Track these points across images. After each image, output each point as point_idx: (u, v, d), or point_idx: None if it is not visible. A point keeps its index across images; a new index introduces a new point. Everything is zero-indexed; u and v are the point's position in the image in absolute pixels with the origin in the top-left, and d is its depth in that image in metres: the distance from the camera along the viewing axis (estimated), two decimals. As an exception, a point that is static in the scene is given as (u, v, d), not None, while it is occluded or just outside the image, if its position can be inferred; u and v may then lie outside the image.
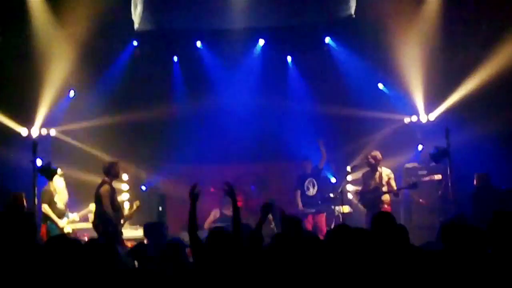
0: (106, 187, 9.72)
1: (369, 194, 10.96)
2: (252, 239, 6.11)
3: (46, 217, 10.48)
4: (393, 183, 10.86)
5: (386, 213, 6.49)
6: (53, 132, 12.73)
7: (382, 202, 10.77)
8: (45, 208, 10.43)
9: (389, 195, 10.84)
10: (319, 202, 11.84)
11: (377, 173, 10.92)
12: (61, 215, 10.59)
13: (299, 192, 12.24)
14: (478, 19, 11.75)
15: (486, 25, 11.41)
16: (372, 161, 10.95)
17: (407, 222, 11.63)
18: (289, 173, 13.28)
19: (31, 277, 5.16)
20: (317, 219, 11.64)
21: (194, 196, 6.30)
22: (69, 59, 12.35)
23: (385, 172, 10.91)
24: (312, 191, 12.17)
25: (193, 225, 6.16)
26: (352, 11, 12.13)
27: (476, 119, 11.55)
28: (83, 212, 11.03)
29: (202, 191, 6.44)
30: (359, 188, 11.51)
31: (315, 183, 12.19)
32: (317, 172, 12.15)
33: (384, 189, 10.80)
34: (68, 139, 12.92)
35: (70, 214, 10.84)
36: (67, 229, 10.60)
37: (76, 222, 10.93)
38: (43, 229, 10.46)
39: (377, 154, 11.01)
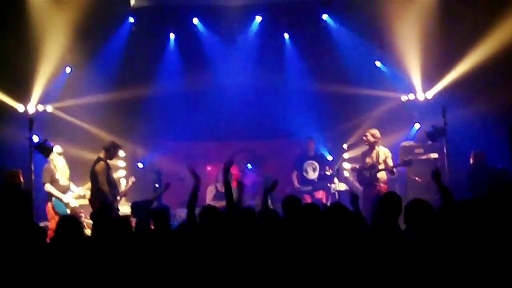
0: (101, 164, 9.77)
1: (366, 171, 10.99)
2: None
3: (51, 195, 10.53)
4: (390, 162, 10.86)
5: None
6: (49, 108, 12.68)
7: (378, 180, 10.79)
8: (48, 187, 10.50)
9: (385, 173, 10.86)
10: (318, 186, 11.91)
11: (375, 151, 10.92)
12: (64, 191, 10.63)
13: (295, 174, 12.30)
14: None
15: (483, 3, 11.32)
16: (371, 138, 10.93)
17: (402, 200, 11.67)
18: (286, 151, 13.36)
19: (28, 255, 5.20)
20: (317, 196, 11.78)
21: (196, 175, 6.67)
22: (65, 35, 12.28)
23: (383, 151, 10.92)
24: (312, 175, 12.21)
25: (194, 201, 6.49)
26: (350, -13, 12.09)
27: (473, 97, 11.55)
28: (87, 185, 11.05)
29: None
30: (356, 165, 11.54)
31: (317, 167, 12.21)
32: (320, 156, 12.22)
33: (381, 167, 10.82)
34: (64, 116, 12.88)
35: (76, 188, 10.86)
36: (74, 203, 10.63)
37: (81, 197, 10.96)
38: (48, 207, 10.52)
39: (376, 132, 11.01)
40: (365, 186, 10.98)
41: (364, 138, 11.05)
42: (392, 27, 12.27)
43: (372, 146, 10.96)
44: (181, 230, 6.02)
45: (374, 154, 10.90)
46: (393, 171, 10.87)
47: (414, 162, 11.10)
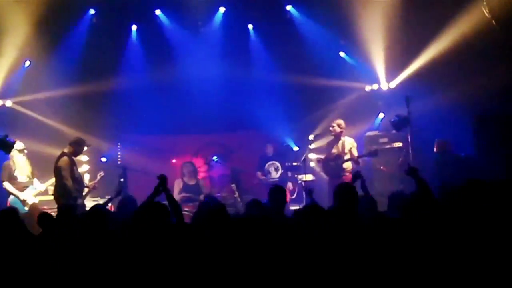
0: (65, 159, 9.57)
1: (331, 162, 11.02)
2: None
3: (9, 193, 10.32)
4: (355, 152, 10.92)
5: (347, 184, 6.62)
6: (8, 103, 12.44)
7: (344, 170, 10.85)
8: (5, 184, 10.30)
9: (351, 163, 10.90)
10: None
11: (340, 142, 10.97)
12: (23, 188, 10.41)
13: (259, 173, 12.32)
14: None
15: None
16: (337, 128, 10.96)
17: (369, 189, 11.73)
18: (253, 142, 13.32)
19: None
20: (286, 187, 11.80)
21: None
22: (24, 28, 12.02)
23: (348, 141, 10.97)
24: (274, 174, 12.24)
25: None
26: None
27: (436, 87, 11.64)
28: (49, 182, 10.82)
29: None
30: (322, 156, 11.56)
31: (279, 166, 12.21)
32: (281, 153, 12.22)
33: (347, 157, 10.86)
34: (25, 111, 12.62)
35: (39, 185, 10.63)
36: (32, 200, 10.41)
37: (42, 193, 10.74)
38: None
39: (341, 122, 11.06)
40: (331, 177, 11.02)
41: (331, 128, 11.07)
42: (356, 18, 12.30)
43: (338, 136, 11.01)
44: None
45: (339, 145, 10.95)
46: (358, 161, 10.93)
47: (379, 152, 11.17)
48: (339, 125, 10.99)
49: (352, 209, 5.97)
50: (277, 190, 7.00)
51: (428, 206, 5.28)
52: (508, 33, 10.67)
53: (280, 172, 12.32)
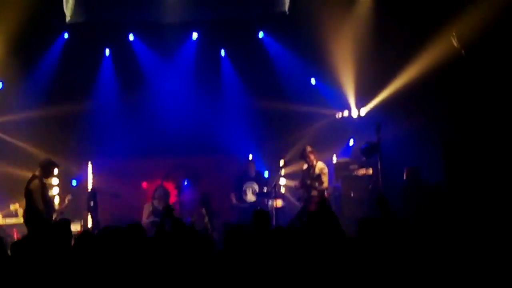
0: (36, 182, 9.49)
1: (302, 189, 11.08)
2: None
3: None
4: (324, 178, 10.96)
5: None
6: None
7: (312, 197, 10.86)
8: None
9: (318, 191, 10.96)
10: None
11: (312, 169, 11.03)
12: None
13: (233, 195, 12.18)
14: (407, 18, 11.99)
15: (416, 23, 11.63)
16: (313, 157, 11.05)
17: (338, 214, 11.77)
18: (223, 166, 13.29)
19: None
20: None
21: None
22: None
23: (319, 167, 11.03)
24: (250, 197, 12.12)
25: None
26: (286, 7, 12.25)
27: (406, 114, 11.80)
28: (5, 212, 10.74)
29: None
30: (292, 182, 11.62)
31: (256, 189, 12.13)
32: (259, 177, 12.17)
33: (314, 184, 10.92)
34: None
35: None
36: None
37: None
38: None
39: (312, 149, 11.13)
40: (304, 203, 11.02)
41: (308, 159, 11.10)
42: (328, 45, 12.46)
43: (310, 163, 11.07)
44: None
45: (311, 171, 11.02)
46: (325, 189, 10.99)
47: (349, 178, 11.26)
48: (311, 152, 11.07)
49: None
50: (262, 214, 7.03)
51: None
52: (476, 62, 10.87)
53: (255, 196, 12.18)
